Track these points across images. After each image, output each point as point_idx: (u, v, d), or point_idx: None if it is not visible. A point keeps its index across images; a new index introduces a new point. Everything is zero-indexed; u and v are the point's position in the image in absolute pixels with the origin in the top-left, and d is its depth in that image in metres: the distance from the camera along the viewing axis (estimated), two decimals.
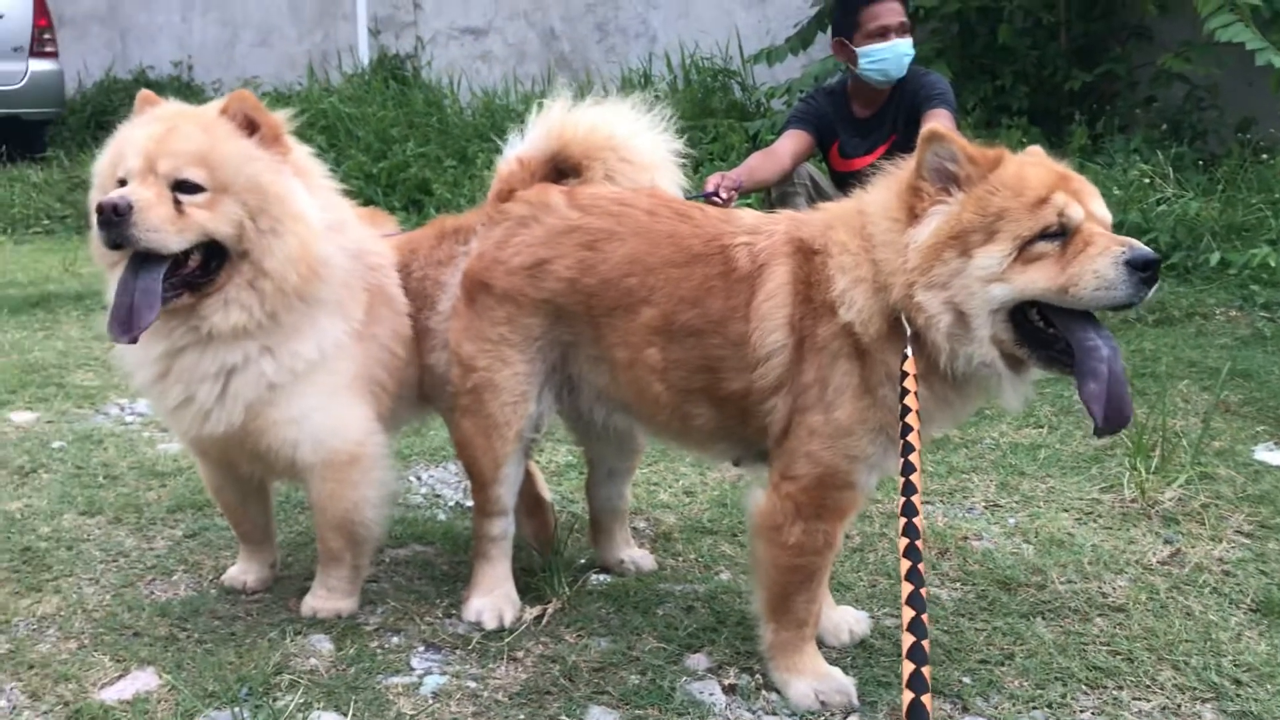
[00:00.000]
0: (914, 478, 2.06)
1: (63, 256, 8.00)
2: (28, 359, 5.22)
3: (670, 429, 2.63)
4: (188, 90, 13.90)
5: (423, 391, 2.96)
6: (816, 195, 5.40)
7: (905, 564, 1.91)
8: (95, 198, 2.49)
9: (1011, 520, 3.39)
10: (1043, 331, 2.19)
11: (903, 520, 2.00)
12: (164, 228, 2.41)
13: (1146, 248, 2.13)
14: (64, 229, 9.58)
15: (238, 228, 2.48)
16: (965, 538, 3.25)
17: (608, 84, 3.31)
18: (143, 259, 2.44)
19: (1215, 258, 6.24)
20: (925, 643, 1.80)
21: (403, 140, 9.99)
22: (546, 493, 3.19)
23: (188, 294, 2.50)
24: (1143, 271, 2.09)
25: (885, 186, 2.33)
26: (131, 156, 2.47)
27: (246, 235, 2.49)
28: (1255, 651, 2.59)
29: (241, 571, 2.95)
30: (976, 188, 2.18)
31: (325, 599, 2.79)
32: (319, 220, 2.59)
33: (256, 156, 2.53)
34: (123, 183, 2.47)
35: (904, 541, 1.95)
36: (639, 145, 2.79)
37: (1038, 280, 2.13)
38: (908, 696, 1.74)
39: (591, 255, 2.55)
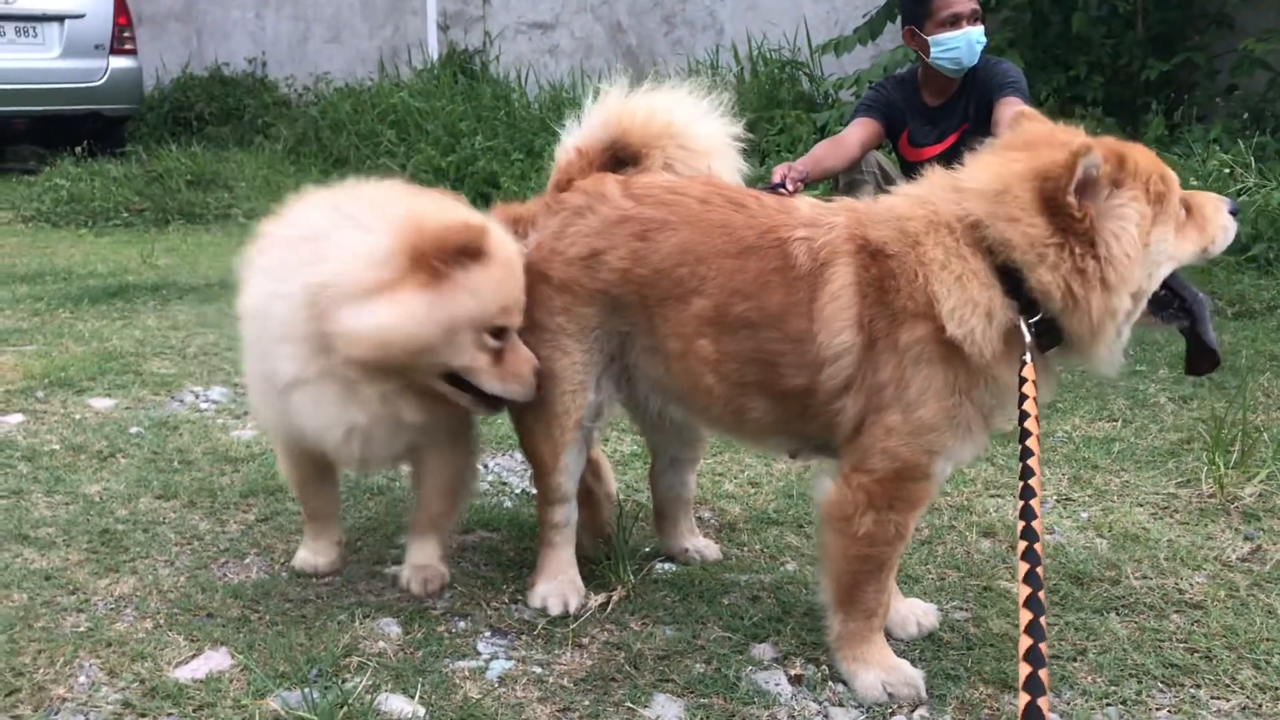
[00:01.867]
0: (1033, 481, 2.06)
1: (141, 248, 8.16)
2: (106, 347, 5.34)
3: (724, 422, 2.61)
4: (261, 86, 14.16)
5: None
6: (885, 184, 5.34)
7: (1023, 566, 1.93)
8: None
9: (1084, 514, 3.32)
10: (1160, 295, 2.32)
11: (1021, 524, 2.01)
12: None
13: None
14: (142, 222, 9.77)
15: None
16: None
17: (675, 76, 3.30)
18: None
19: None
20: (1043, 646, 1.80)
21: (471, 134, 10.08)
22: (612, 484, 3.17)
23: None
24: (1236, 216, 2.42)
25: (996, 200, 2.22)
26: None
27: None
28: None
29: (312, 554, 2.99)
30: (1136, 181, 2.21)
31: (428, 568, 2.85)
32: None
33: None
34: None
35: (1023, 544, 1.97)
36: (697, 131, 2.76)
37: (1186, 248, 2.31)
38: (1024, 699, 1.75)
39: (643, 245, 2.54)
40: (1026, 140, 2.35)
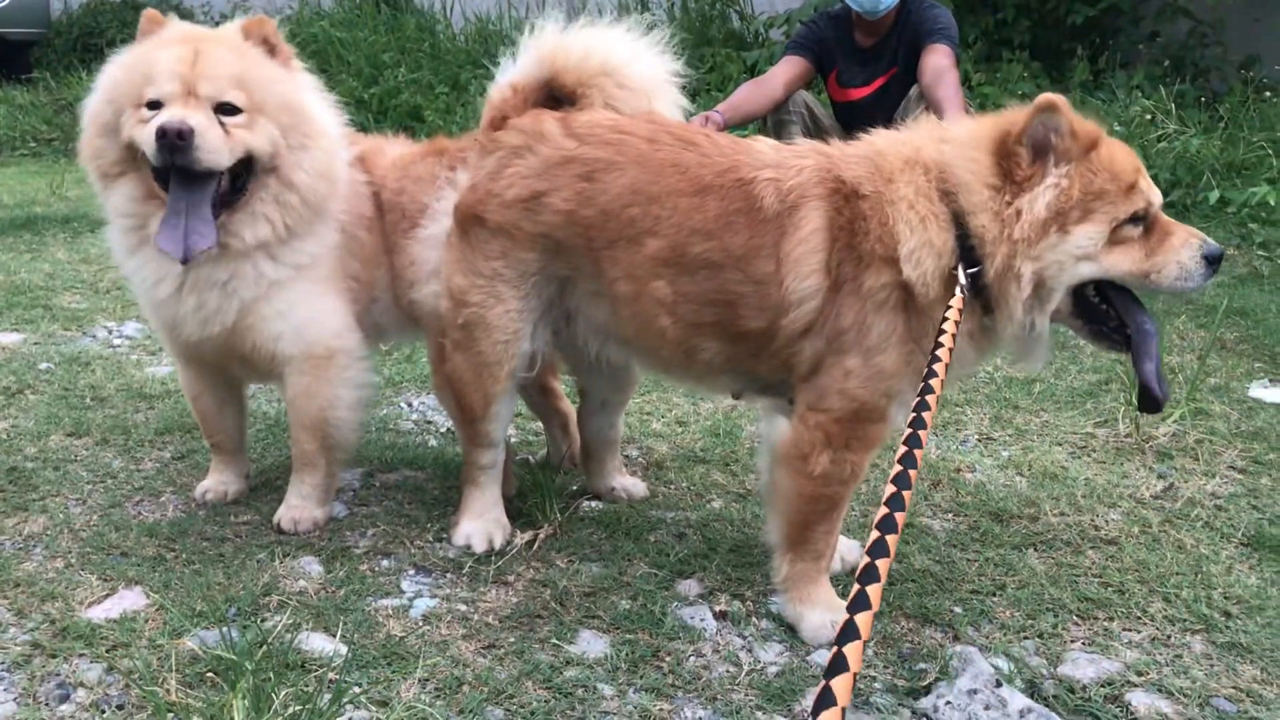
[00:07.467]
0: (926, 416, 2.00)
1: (49, 179, 7.89)
2: (14, 281, 5.16)
3: (674, 363, 2.57)
4: (178, 14, 13.67)
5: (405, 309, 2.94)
6: (812, 123, 5.32)
7: (890, 489, 1.84)
8: (104, 116, 2.56)
9: (1005, 453, 3.38)
10: (1097, 308, 2.26)
11: (903, 449, 1.94)
12: (221, 149, 2.50)
13: (1215, 242, 2.24)
14: (51, 151, 9.45)
15: (273, 145, 2.59)
16: (958, 470, 3.24)
17: (603, 9, 3.21)
18: (189, 180, 2.51)
19: (1214, 196, 6.20)
20: (882, 563, 1.73)
21: (394, 66, 9.86)
22: (575, 439, 3.18)
23: (224, 213, 2.59)
24: (1214, 265, 2.22)
25: (965, 144, 2.23)
26: (165, 79, 2.52)
27: (279, 152, 2.60)
28: (1245, 584, 2.59)
29: (220, 483, 2.98)
30: (1078, 165, 2.17)
31: (299, 508, 2.82)
32: (338, 134, 2.74)
33: (284, 77, 2.65)
34: (152, 105, 2.51)
35: (897, 469, 1.89)
36: (635, 70, 2.69)
37: (1121, 263, 2.19)
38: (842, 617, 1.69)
39: (590, 186, 2.47)
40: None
